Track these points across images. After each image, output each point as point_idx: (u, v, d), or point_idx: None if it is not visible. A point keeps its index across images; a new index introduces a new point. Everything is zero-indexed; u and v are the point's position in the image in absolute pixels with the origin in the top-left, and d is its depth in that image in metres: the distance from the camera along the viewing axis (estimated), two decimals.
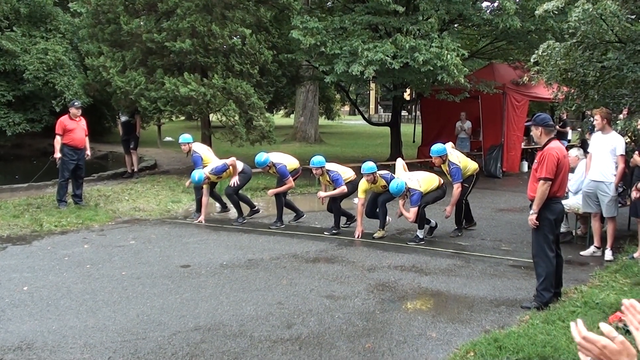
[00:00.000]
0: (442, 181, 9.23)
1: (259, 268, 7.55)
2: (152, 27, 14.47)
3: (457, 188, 9.17)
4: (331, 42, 14.14)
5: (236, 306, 6.10)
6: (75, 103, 11.62)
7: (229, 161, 10.27)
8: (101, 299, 6.32)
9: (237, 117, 14.20)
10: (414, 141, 20.21)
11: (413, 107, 24.30)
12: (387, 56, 13.25)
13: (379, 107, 50.91)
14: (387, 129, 19.61)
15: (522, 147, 17.14)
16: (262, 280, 7.03)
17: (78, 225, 9.94)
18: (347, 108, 51.73)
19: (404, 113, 28.49)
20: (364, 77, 13.99)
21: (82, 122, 11.47)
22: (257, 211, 10.78)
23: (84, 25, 16.62)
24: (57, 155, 11.09)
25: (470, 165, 9.65)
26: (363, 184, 9.17)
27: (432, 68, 13.40)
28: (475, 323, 5.68)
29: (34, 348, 5.02)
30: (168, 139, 24.47)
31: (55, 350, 4.97)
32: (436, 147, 9.36)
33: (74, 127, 11.19)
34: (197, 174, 10.10)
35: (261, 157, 10.04)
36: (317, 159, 9.61)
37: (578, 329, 1.73)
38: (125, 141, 15.39)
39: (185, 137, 10.88)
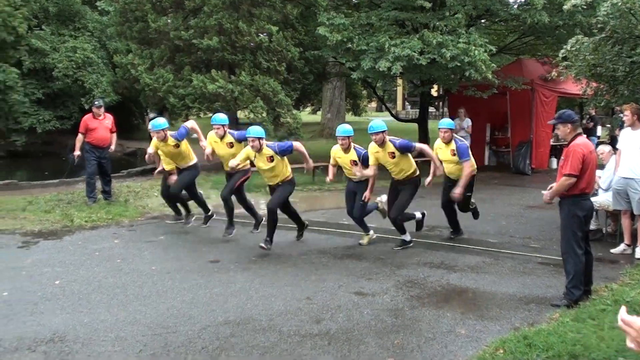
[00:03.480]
0: (418, 172, 8.51)
1: (288, 264, 7.59)
2: (180, 24, 14.60)
3: (468, 167, 8.30)
4: (358, 38, 14.12)
5: (265, 301, 6.13)
6: (96, 102, 11.62)
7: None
8: (132, 293, 6.41)
9: (264, 114, 14.27)
10: None
11: (440, 103, 24.14)
12: (414, 52, 13.18)
13: (407, 103, 50.66)
14: (415, 125, 19.50)
15: (551, 143, 16.94)
16: (291, 275, 7.07)
17: (108, 221, 10.08)
18: (374, 104, 51.42)
19: (431, 109, 28.31)
20: (391, 73, 13.92)
21: (107, 121, 11.40)
22: (211, 216, 9.87)
23: (112, 24, 16.85)
24: (77, 152, 11.17)
25: None
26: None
27: (459, 64, 13.32)
28: (505, 320, 5.64)
29: (66, 341, 5.10)
30: (196, 135, 24.60)
31: (87, 343, 5.04)
32: (445, 120, 8.77)
33: (96, 126, 11.19)
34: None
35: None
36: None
37: (620, 314, 1.74)
38: None
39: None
